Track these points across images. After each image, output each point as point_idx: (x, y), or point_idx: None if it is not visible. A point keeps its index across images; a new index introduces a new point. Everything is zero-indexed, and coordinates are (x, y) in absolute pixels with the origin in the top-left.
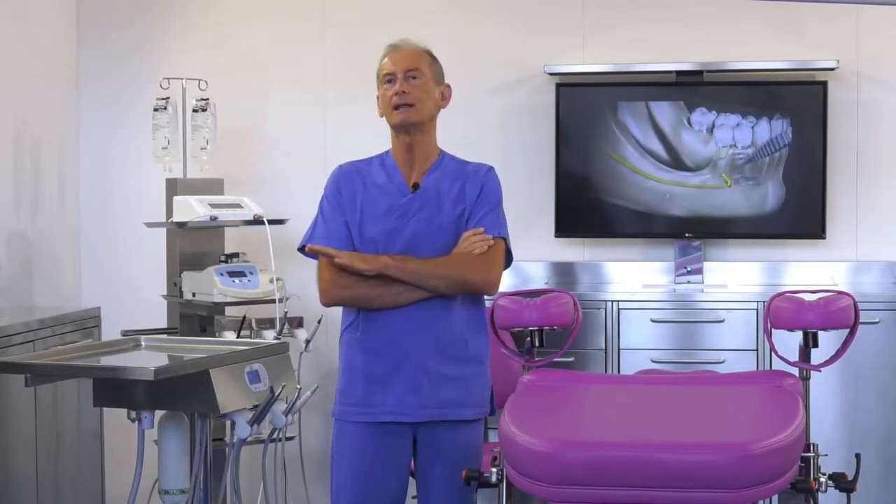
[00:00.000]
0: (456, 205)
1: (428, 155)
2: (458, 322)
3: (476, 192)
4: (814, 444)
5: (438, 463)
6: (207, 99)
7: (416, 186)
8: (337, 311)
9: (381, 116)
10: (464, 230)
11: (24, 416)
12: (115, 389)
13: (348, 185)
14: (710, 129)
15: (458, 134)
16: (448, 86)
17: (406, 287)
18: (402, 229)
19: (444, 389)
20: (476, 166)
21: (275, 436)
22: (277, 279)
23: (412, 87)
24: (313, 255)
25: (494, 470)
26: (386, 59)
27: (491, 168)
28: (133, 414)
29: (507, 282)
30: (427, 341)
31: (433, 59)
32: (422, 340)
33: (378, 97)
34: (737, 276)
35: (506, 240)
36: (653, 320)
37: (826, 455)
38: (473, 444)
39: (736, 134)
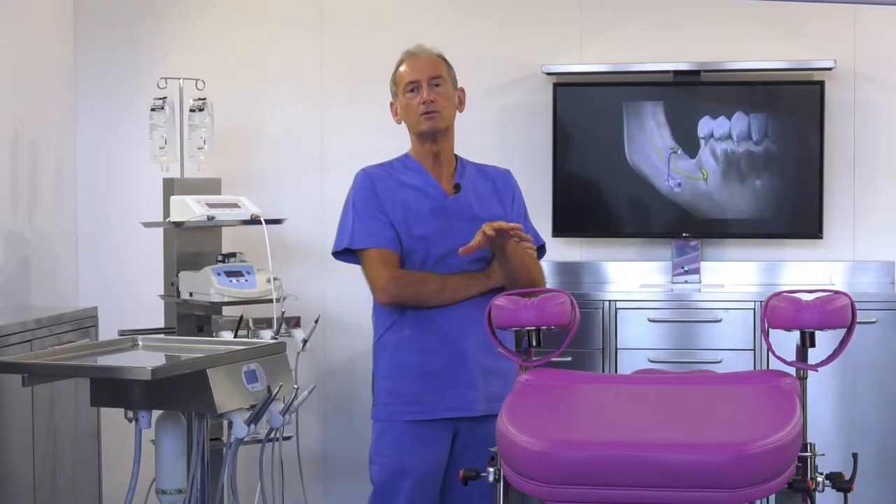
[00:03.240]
0: (496, 205)
1: (451, 160)
2: None
3: (510, 199)
4: (811, 444)
5: (477, 454)
6: (205, 99)
7: (457, 187)
8: (334, 312)
9: (399, 123)
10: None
11: (21, 416)
12: (112, 389)
13: (384, 186)
14: (708, 129)
15: (455, 134)
16: (462, 90)
17: (463, 283)
18: (450, 228)
19: (492, 383)
20: (498, 170)
21: (272, 435)
22: (275, 279)
23: (437, 94)
24: (347, 258)
25: (492, 469)
26: (405, 67)
27: (510, 172)
28: (130, 414)
29: None
30: (476, 337)
31: (448, 64)
32: (472, 337)
33: (393, 104)
34: (734, 276)
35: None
36: (650, 320)
37: (823, 455)
38: None
39: (733, 133)
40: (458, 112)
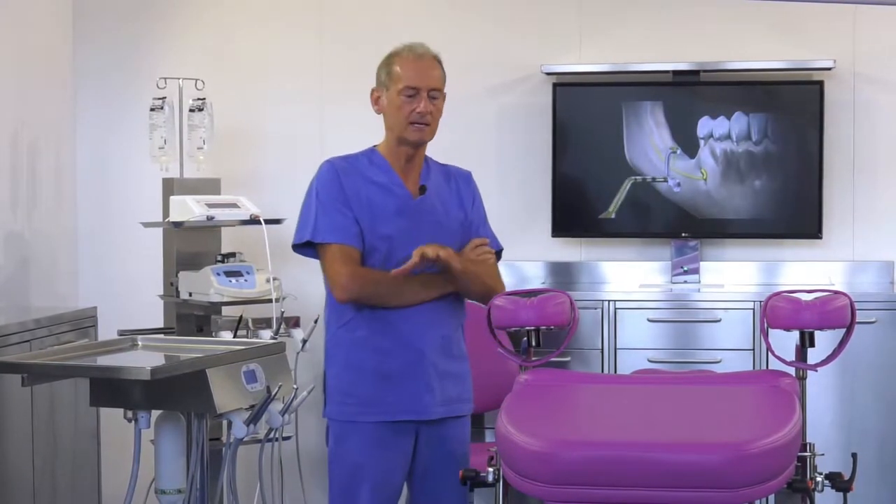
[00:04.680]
0: (459, 208)
1: (421, 163)
2: (455, 321)
3: (471, 202)
4: (810, 444)
5: (441, 457)
6: (204, 98)
7: (423, 189)
8: None
9: (379, 113)
10: (468, 236)
11: (20, 416)
12: (111, 389)
13: (349, 180)
14: (707, 129)
15: (454, 134)
16: (444, 94)
17: (423, 285)
18: (417, 229)
19: (448, 386)
20: (459, 170)
21: (271, 435)
22: (274, 279)
23: (433, 106)
24: (305, 252)
25: (491, 470)
26: (408, 69)
27: (471, 174)
28: (130, 414)
29: (504, 281)
30: (434, 339)
31: (443, 70)
32: (430, 339)
33: (376, 93)
34: (733, 276)
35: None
36: (649, 320)
37: (822, 455)
38: (468, 439)
39: (732, 133)
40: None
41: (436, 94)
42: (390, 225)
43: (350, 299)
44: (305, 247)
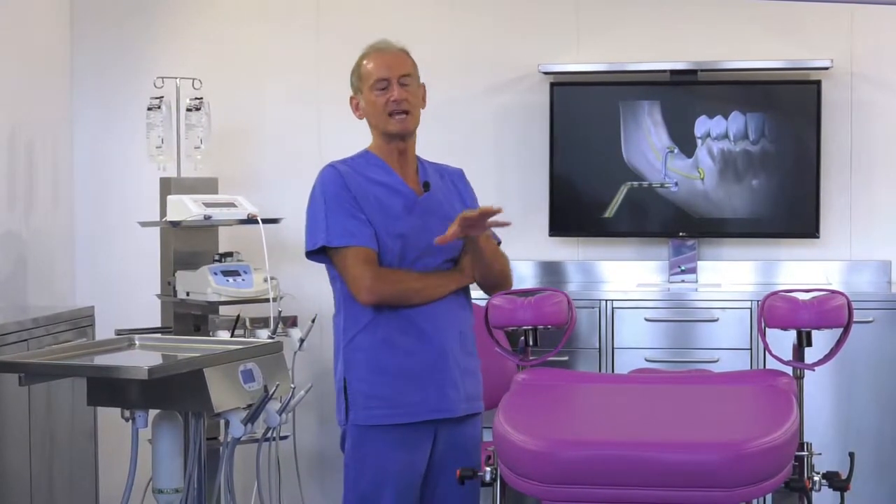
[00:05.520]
0: (461, 204)
1: (414, 158)
2: (469, 317)
3: (471, 198)
4: (808, 443)
5: (458, 455)
6: (201, 98)
7: (427, 185)
8: (331, 311)
9: (361, 118)
10: None
11: (17, 415)
12: (109, 389)
13: (354, 182)
14: (705, 128)
15: (452, 133)
16: (423, 85)
17: (439, 281)
18: (425, 227)
19: (468, 383)
20: (451, 168)
21: (269, 435)
22: (272, 278)
23: (408, 92)
24: (319, 258)
25: (489, 469)
26: (373, 63)
27: (463, 171)
28: (127, 413)
29: None
30: (454, 336)
31: (413, 59)
32: (450, 335)
33: (354, 99)
34: (731, 275)
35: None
36: (647, 319)
37: (820, 454)
38: (479, 436)
39: (730, 133)
40: (421, 109)
41: (406, 79)
42: (401, 223)
43: (376, 301)
44: (317, 253)
